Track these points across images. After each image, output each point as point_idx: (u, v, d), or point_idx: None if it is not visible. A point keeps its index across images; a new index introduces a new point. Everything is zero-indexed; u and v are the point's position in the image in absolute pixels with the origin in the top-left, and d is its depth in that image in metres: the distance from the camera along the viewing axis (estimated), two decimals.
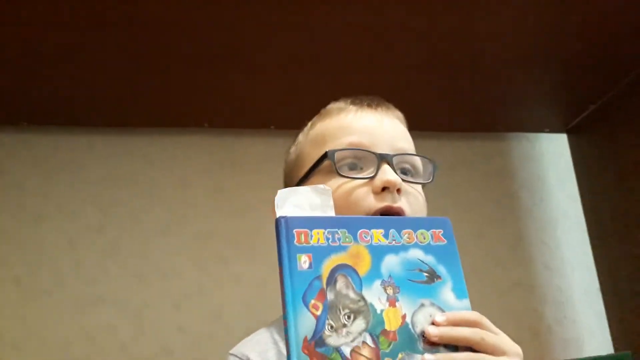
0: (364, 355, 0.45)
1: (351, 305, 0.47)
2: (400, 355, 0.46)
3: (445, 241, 0.52)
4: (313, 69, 1.36)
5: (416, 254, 0.50)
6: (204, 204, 1.56)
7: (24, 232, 1.46)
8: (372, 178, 0.63)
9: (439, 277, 0.50)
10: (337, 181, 0.64)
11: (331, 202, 0.54)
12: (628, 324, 1.49)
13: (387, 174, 0.62)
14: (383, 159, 0.64)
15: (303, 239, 0.48)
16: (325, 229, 0.49)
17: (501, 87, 1.51)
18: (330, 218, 0.51)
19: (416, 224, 0.52)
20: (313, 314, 0.46)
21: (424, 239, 0.51)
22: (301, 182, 0.69)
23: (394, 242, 0.50)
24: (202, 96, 1.44)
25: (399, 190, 0.63)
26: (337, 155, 0.65)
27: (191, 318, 1.44)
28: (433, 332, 0.48)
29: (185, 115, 1.54)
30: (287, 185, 0.75)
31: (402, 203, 0.63)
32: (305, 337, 0.45)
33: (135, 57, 1.27)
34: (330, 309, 0.46)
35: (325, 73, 1.38)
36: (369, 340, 0.46)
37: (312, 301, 0.46)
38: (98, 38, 1.19)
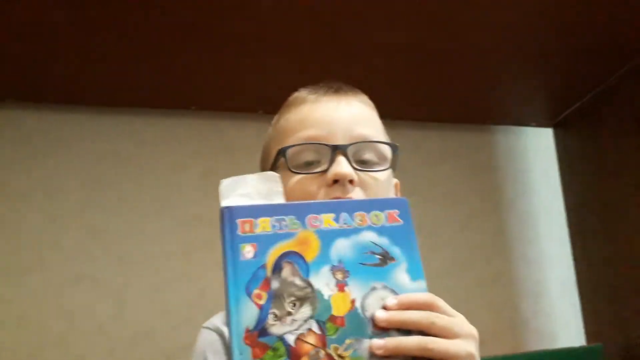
0: (309, 343, 0.45)
1: (297, 293, 0.46)
2: (348, 341, 0.45)
3: (402, 222, 0.50)
4: (299, 53, 1.36)
5: (369, 236, 0.49)
6: (193, 187, 1.56)
7: (5, 209, 1.44)
8: (324, 172, 0.63)
9: (392, 258, 0.49)
10: (292, 177, 0.64)
11: (280, 189, 0.53)
12: (602, 317, 1.53)
13: (339, 166, 0.62)
14: (337, 150, 0.63)
15: (248, 229, 0.48)
16: (271, 216, 0.48)
17: (490, 79, 1.52)
18: (278, 205, 0.50)
19: (370, 205, 0.50)
20: (256, 303, 0.45)
21: (378, 220, 0.50)
22: None
23: (345, 225, 0.49)
24: (189, 78, 1.43)
25: (352, 182, 0.62)
26: (292, 151, 0.65)
27: (173, 301, 1.45)
28: (381, 316, 0.47)
29: (173, 96, 1.53)
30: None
31: (354, 194, 0.62)
32: (247, 328, 0.45)
33: (125, 37, 1.25)
34: (275, 297, 0.46)
35: (313, 58, 1.38)
36: (315, 327, 0.45)
37: (256, 291, 0.46)
38: (88, 17, 1.18)
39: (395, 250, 0.49)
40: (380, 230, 0.49)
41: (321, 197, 0.63)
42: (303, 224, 0.48)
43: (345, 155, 0.63)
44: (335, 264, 0.48)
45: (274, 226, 0.48)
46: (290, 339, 0.45)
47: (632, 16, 1.27)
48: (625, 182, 1.48)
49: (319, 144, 0.65)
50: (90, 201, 1.49)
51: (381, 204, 0.50)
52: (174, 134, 1.60)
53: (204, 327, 0.67)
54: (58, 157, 1.51)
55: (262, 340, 0.45)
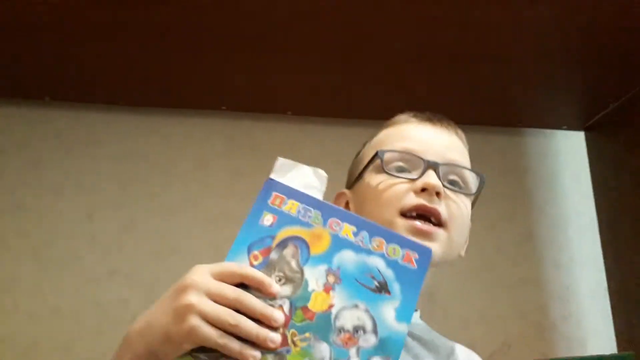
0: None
1: (287, 272, 0.49)
2: (307, 335, 0.47)
3: (415, 267, 0.51)
4: (327, 56, 1.37)
5: (376, 262, 0.50)
6: (221, 185, 1.58)
7: (43, 205, 1.49)
8: (415, 179, 0.66)
9: (388, 292, 0.49)
10: (382, 177, 0.68)
11: (322, 188, 0.55)
12: (633, 324, 1.50)
13: (430, 177, 0.65)
14: (430, 165, 0.67)
15: (277, 202, 0.52)
16: (301, 203, 0.52)
17: (521, 82, 1.51)
18: (311, 197, 0.53)
19: (394, 238, 0.51)
20: (250, 262, 0.49)
21: (393, 253, 0.51)
22: (356, 180, 0.74)
23: (360, 243, 0.51)
24: (221, 79, 1.45)
25: (438, 194, 0.65)
26: (387, 155, 0.69)
27: None
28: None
29: (203, 97, 1.56)
30: (348, 182, 0.78)
31: (439, 205, 0.65)
32: None
33: (157, 37, 1.28)
34: (268, 265, 0.49)
35: (344, 63, 1.39)
36: (285, 307, 0.47)
37: (255, 252, 0.50)
38: (122, 18, 1.21)
39: (395, 287, 0.49)
40: (390, 263, 0.50)
41: (408, 200, 0.66)
42: (324, 222, 0.51)
43: (436, 172, 0.67)
44: (332, 268, 0.50)
45: (299, 212, 0.52)
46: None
47: None
48: None
49: (416, 155, 0.68)
50: (122, 197, 1.53)
51: (405, 243, 0.51)
52: (204, 134, 1.62)
53: None
54: (91, 154, 1.55)
55: None
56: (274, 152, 1.69)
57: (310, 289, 0.49)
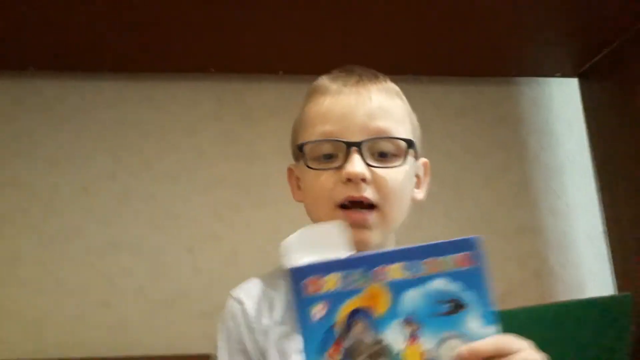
0: None
1: (368, 350, 0.47)
2: None
3: (473, 264, 0.48)
4: (318, 10, 1.33)
5: (439, 284, 0.48)
6: (214, 150, 1.57)
7: (38, 178, 1.48)
8: (339, 168, 0.66)
9: (463, 305, 0.48)
10: (309, 172, 0.69)
11: (345, 240, 0.53)
12: (630, 267, 1.53)
13: (352, 164, 0.65)
14: (352, 147, 0.66)
15: (315, 288, 0.48)
16: (338, 272, 0.48)
17: (512, 30, 1.48)
18: (344, 260, 0.50)
19: (440, 250, 0.49)
20: None
21: (448, 265, 0.48)
22: (296, 158, 0.75)
23: (414, 275, 0.48)
24: (206, 39, 1.41)
25: (364, 180, 0.65)
26: (309, 146, 0.69)
27: (205, 261, 1.49)
28: None
29: (190, 59, 1.52)
30: (292, 151, 0.78)
31: (367, 192, 0.65)
32: None
33: (139, 0, 1.25)
34: (348, 355, 0.47)
35: (332, 14, 1.36)
36: None
37: (330, 351, 0.47)
38: None
39: (467, 296, 0.48)
40: (451, 276, 0.48)
41: (336, 193, 0.66)
42: (371, 278, 0.48)
43: (360, 152, 0.65)
44: (405, 317, 0.48)
45: (341, 283, 0.48)
46: None
47: None
48: None
49: (337, 140, 0.67)
50: (117, 167, 1.52)
51: (452, 247, 0.49)
52: (194, 97, 1.60)
53: (230, 296, 0.73)
54: (81, 124, 1.53)
55: None
56: (268, 113, 1.68)
57: (396, 351, 0.47)
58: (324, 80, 0.74)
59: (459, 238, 0.49)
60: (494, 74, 1.73)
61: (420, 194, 0.75)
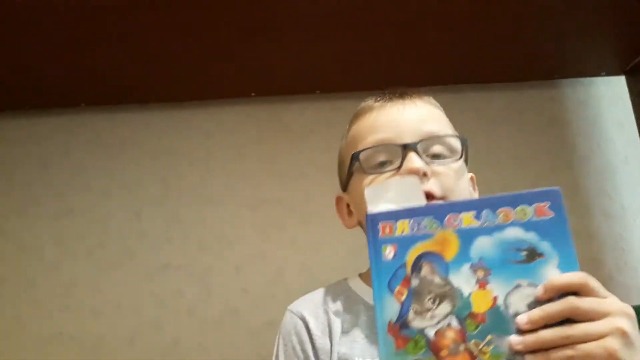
0: (448, 337, 0.46)
1: (436, 290, 0.48)
2: (489, 337, 0.46)
3: (552, 214, 0.47)
4: (353, 32, 1.35)
5: (514, 232, 0.48)
6: (258, 171, 1.60)
7: (93, 207, 1.55)
8: (397, 169, 0.66)
9: (541, 255, 0.47)
10: (369, 178, 0.68)
11: (421, 192, 0.55)
12: None
13: (410, 162, 0.64)
14: (407, 148, 0.66)
15: (388, 231, 0.50)
16: (409, 218, 0.50)
17: (553, 31, 1.45)
18: (417, 208, 0.51)
19: (516, 200, 0.48)
20: (398, 299, 0.48)
21: (525, 215, 0.48)
22: (346, 182, 0.74)
23: (487, 223, 0.48)
24: (246, 66, 1.46)
25: (425, 175, 0.64)
26: (364, 154, 0.69)
27: (253, 280, 1.51)
28: (522, 321, 0.46)
29: (231, 86, 1.57)
30: (340, 184, 0.78)
31: (430, 185, 0.64)
32: (390, 321, 0.48)
33: (181, 33, 1.30)
34: (415, 294, 0.48)
35: (366, 32, 1.37)
36: (454, 323, 0.47)
37: (397, 287, 0.49)
38: (147, 18, 1.23)
39: (545, 246, 0.47)
40: (527, 225, 0.48)
41: None
42: (442, 224, 0.49)
43: (416, 151, 0.66)
44: (475, 262, 0.48)
45: (412, 228, 0.50)
46: (430, 333, 0.47)
47: None
48: None
49: (390, 144, 0.67)
50: (166, 193, 1.58)
51: (530, 197, 0.48)
52: (237, 122, 1.65)
53: (290, 311, 0.72)
54: (131, 154, 1.60)
55: (404, 333, 0.48)
56: (307, 131, 1.71)
57: (466, 294, 0.47)
58: (366, 102, 0.76)
59: (538, 189, 0.49)
60: (536, 77, 1.70)
61: None
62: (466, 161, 0.72)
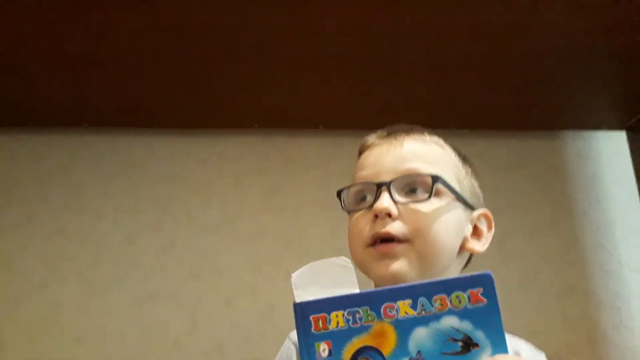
0: None
1: None
2: None
3: (485, 301, 0.47)
4: (357, 68, 1.37)
5: (450, 321, 0.46)
6: (257, 203, 1.59)
7: (85, 229, 1.53)
8: (370, 207, 0.68)
9: (476, 344, 0.46)
10: (351, 215, 0.72)
11: (354, 277, 0.52)
12: None
13: (380, 201, 0.66)
14: (380, 187, 0.68)
15: (321, 325, 0.48)
16: (345, 309, 0.48)
17: (557, 83, 1.47)
18: (351, 296, 0.49)
19: (451, 286, 0.47)
20: None
21: (459, 302, 0.47)
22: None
23: (423, 312, 0.47)
24: (250, 98, 1.47)
25: (390, 215, 0.66)
26: (345, 193, 0.72)
27: (243, 315, 1.48)
28: None
29: (235, 117, 1.58)
30: None
31: (393, 227, 0.66)
32: None
33: (187, 61, 1.31)
34: None
35: (372, 74, 1.39)
36: None
37: None
38: (151, 44, 1.25)
39: (479, 335, 0.46)
40: (462, 314, 0.47)
41: (367, 232, 0.67)
42: (378, 315, 0.47)
43: (389, 190, 0.67)
44: (413, 357, 0.46)
45: (347, 320, 0.48)
46: None
47: None
48: None
49: (368, 182, 0.70)
50: (161, 219, 1.56)
51: (463, 283, 0.47)
52: (238, 152, 1.64)
53: (288, 338, 0.73)
54: (130, 177, 1.59)
55: None
56: (307, 166, 1.71)
57: None
58: (369, 137, 0.78)
59: (471, 274, 0.48)
60: (539, 127, 1.71)
61: (478, 245, 0.74)
62: (463, 200, 0.72)
